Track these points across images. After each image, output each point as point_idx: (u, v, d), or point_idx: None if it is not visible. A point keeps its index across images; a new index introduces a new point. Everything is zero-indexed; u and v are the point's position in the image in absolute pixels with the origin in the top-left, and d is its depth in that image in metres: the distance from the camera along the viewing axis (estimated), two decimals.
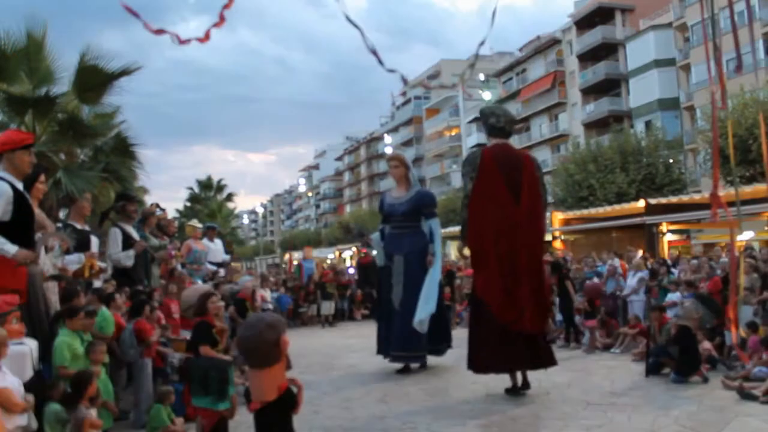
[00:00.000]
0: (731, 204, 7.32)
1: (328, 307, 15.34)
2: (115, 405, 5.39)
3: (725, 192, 13.50)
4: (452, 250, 25.42)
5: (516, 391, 6.74)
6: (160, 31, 4.50)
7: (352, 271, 18.44)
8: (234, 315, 8.73)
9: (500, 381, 7.51)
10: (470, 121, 56.99)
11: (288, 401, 3.01)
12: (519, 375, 6.80)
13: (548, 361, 6.92)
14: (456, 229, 9.75)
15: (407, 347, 8.16)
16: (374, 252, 9.14)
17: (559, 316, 10.75)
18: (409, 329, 7.97)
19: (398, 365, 8.33)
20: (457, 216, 9.03)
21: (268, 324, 2.97)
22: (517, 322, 6.57)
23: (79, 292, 5.65)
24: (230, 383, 5.13)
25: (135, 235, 7.43)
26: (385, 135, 73.36)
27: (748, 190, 15.17)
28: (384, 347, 8.50)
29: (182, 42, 4.55)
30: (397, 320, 8.20)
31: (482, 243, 6.78)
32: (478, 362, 6.83)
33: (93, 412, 4.38)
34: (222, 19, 4.50)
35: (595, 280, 11.20)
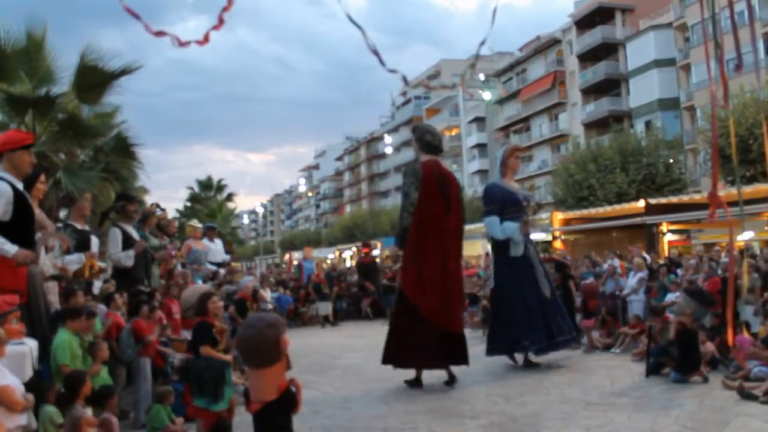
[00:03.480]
0: (733, 203, 7.32)
1: (325, 308, 15.35)
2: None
3: (725, 192, 13.50)
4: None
5: (420, 384, 7.31)
6: (160, 33, 4.51)
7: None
8: (234, 315, 8.74)
9: (500, 381, 7.53)
10: (470, 121, 57.04)
11: (288, 401, 3.00)
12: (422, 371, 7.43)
13: (463, 359, 7.50)
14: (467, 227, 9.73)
15: (569, 329, 8.60)
16: (515, 240, 8.49)
17: None
18: (564, 313, 8.63)
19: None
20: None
21: (267, 323, 2.95)
22: (449, 323, 7.25)
23: (78, 292, 5.65)
24: (227, 384, 5.13)
25: (135, 235, 7.42)
26: (385, 135, 73.40)
27: (749, 190, 15.18)
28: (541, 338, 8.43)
29: (182, 44, 4.55)
30: (555, 307, 8.47)
31: (424, 247, 7.37)
32: (397, 357, 7.39)
33: (89, 411, 4.38)
34: (221, 21, 4.50)
35: (590, 280, 11.19)
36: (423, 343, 7.16)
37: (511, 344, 8.32)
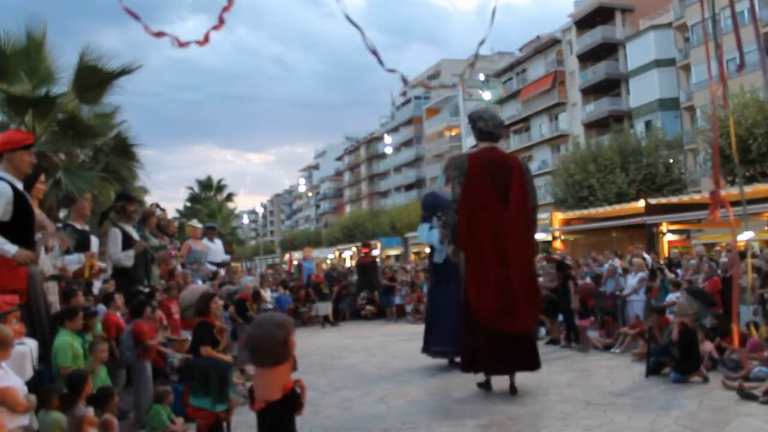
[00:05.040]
0: (734, 204, 7.31)
1: (324, 308, 15.34)
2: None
3: (725, 192, 13.47)
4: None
5: (489, 387, 6.99)
6: (160, 34, 4.49)
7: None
8: (234, 315, 8.74)
9: (500, 380, 7.51)
10: None
11: (292, 401, 3.00)
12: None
13: (534, 363, 7.02)
14: None
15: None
16: (436, 246, 8.60)
17: (560, 317, 10.75)
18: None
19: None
20: None
21: (277, 323, 2.96)
22: (510, 324, 6.73)
23: (78, 292, 5.65)
24: (230, 385, 5.14)
25: (135, 235, 7.41)
26: (385, 135, 73.35)
27: (749, 190, 15.18)
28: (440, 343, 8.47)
29: (182, 45, 4.54)
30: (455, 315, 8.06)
31: (474, 245, 6.97)
32: (469, 362, 7.09)
33: (90, 411, 4.37)
34: (221, 21, 4.48)
35: (587, 280, 11.18)
36: (485, 346, 6.77)
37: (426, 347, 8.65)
